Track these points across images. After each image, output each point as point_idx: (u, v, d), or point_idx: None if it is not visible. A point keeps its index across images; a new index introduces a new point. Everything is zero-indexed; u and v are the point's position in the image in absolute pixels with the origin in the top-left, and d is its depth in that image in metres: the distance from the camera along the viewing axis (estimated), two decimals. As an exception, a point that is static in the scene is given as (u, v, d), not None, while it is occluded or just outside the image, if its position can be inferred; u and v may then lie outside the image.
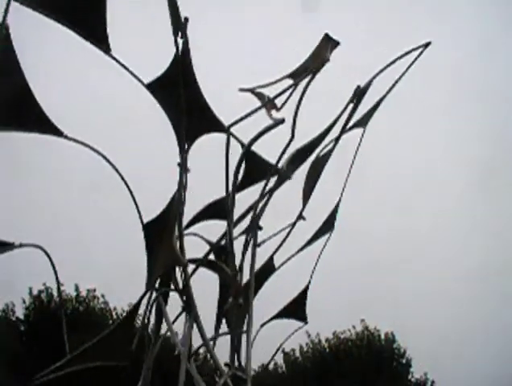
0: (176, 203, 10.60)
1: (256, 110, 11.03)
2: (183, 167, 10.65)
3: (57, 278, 10.97)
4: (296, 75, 11.14)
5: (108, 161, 10.45)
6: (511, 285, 31.50)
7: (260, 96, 11.54)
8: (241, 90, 11.82)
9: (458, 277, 32.92)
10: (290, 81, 11.20)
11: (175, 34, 9.40)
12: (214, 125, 10.92)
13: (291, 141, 11.14)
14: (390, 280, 31.64)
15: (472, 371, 28.58)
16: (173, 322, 11.74)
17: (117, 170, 10.61)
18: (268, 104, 11.17)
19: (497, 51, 39.48)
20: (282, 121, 10.94)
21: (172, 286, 11.60)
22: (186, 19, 9.37)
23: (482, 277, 33.37)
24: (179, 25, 9.36)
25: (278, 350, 13.89)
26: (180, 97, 9.79)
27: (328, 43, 10.74)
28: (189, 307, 10.92)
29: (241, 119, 10.92)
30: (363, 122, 12.34)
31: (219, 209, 12.28)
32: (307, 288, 13.90)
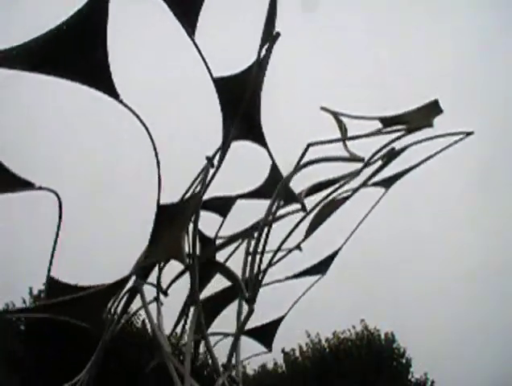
0: (199, 198, 10.49)
1: (338, 140, 11.01)
2: (211, 163, 10.56)
3: (59, 226, 10.69)
4: (387, 123, 10.96)
5: (150, 136, 9.88)
6: (511, 285, 31.50)
7: (340, 123, 11.35)
8: (323, 109, 11.60)
9: (458, 277, 32.93)
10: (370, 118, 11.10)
11: (262, 45, 9.30)
12: (256, 136, 10.94)
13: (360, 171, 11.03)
14: (390, 280, 31.66)
15: (472, 371, 28.58)
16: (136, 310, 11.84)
17: (154, 147, 10.01)
18: (346, 138, 11.08)
19: (496, 50, 39.49)
20: (361, 159, 10.82)
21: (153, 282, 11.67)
22: (278, 34, 9.25)
23: (482, 277, 33.38)
24: (269, 37, 9.26)
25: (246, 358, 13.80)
26: (242, 102, 9.71)
27: (435, 109, 10.61)
28: (194, 303, 10.94)
29: (322, 142, 10.84)
30: (386, 184, 12.26)
31: (221, 205, 12.35)
32: (282, 318, 13.78)
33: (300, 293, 13.51)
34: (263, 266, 11.73)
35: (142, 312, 12.33)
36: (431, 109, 10.73)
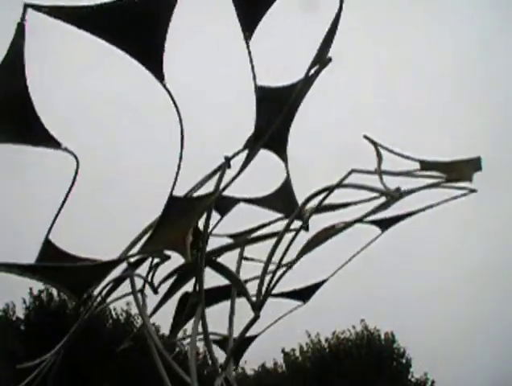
0: (215, 197, 10.43)
1: (377, 173, 11.05)
2: (228, 164, 10.68)
3: (71, 187, 10.53)
4: (426, 167, 11.23)
5: (181, 125, 9.34)
6: (511, 285, 31.49)
7: (379, 154, 11.38)
8: (366, 138, 11.61)
9: (458, 277, 32.93)
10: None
11: (312, 66, 9.36)
12: (280, 149, 11.19)
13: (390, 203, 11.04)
14: (390, 280, 31.64)
15: (472, 371, 28.57)
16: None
17: (182, 139, 9.47)
18: (385, 172, 11.12)
19: (496, 50, 39.51)
20: (396, 196, 10.82)
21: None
22: (329, 59, 9.35)
23: (482, 277, 33.37)
24: (321, 60, 9.37)
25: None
26: (279, 116, 9.81)
27: (475, 166, 10.86)
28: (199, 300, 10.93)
29: (366, 172, 11.02)
30: (383, 225, 12.26)
31: (222, 204, 12.37)
32: (255, 337, 13.32)
33: (287, 306, 13.33)
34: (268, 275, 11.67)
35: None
36: (472, 165, 10.98)
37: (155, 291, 11.72)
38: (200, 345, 13.16)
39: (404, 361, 26.89)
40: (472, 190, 11.41)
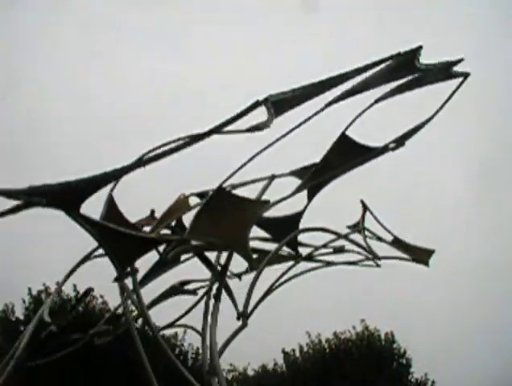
0: (268, 206, 10.30)
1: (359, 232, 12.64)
2: (271, 179, 11.03)
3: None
4: (397, 243, 13.16)
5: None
6: (511, 285, 31.51)
7: (363, 218, 12.88)
8: (362, 203, 12.85)
9: (458, 277, 32.95)
10: None
11: (391, 141, 9.89)
12: (314, 190, 11.42)
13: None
14: (390, 280, 31.67)
15: (472, 371, 28.59)
16: None
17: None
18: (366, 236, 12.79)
19: (496, 51, 39.55)
20: (378, 258, 12.57)
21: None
22: (404, 144, 10.06)
23: (482, 276, 33.40)
24: (400, 141, 10.06)
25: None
26: (346, 166, 10.23)
27: (430, 254, 13.57)
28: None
29: (354, 229, 12.55)
30: (299, 258, 12.64)
31: None
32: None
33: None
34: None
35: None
36: (429, 254, 13.67)
37: (165, 261, 11.51)
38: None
39: (404, 361, 26.89)
40: (375, 265, 13.21)
